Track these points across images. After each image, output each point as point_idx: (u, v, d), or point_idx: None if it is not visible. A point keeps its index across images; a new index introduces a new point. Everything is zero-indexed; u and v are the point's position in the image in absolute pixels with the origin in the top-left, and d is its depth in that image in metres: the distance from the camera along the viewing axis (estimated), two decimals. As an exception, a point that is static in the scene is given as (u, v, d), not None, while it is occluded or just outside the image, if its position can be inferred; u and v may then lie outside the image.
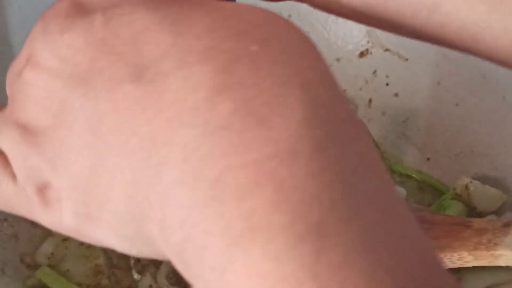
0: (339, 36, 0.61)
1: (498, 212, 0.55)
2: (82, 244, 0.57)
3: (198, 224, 0.19)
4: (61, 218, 0.24)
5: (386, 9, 0.26)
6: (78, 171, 0.22)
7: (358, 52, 0.62)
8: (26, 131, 0.23)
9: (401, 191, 0.57)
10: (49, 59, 0.23)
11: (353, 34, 0.61)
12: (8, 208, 0.26)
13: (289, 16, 0.61)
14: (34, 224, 0.58)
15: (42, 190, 0.24)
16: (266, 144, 0.19)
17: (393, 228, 0.20)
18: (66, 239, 0.58)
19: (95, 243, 0.25)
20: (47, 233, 0.58)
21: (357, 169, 0.20)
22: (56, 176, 0.23)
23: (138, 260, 0.57)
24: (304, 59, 0.22)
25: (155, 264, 0.57)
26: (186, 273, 0.21)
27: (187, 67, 0.21)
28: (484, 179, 0.56)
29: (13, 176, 0.25)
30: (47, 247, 0.57)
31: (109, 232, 0.23)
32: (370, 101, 0.63)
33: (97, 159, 0.22)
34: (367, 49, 0.62)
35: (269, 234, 0.18)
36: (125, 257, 0.57)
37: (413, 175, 0.59)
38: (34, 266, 0.56)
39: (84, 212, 0.23)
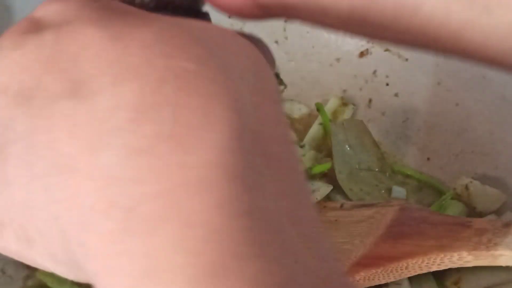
0: (339, 36, 0.61)
1: (498, 212, 0.55)
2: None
3: (108, 258, 0.18)
4: (6, 244, 0.23)
5: (370, 13, 0.26)
6: (11, 197, 0.21)
7: (358, 52, 0.62)
8: None
9: (401, 191, 0.57)
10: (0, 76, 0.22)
11: (353, 34, 0.61)
12: None
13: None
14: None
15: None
16: (180, 172, 0.18)
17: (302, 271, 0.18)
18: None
19: (40, 267, 0.24)
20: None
21: (273, 202, 0.19)
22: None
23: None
24: (244, 79, 0.21)
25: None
26: None
27: (119, 84, 0.20)
28: (484, 179, 0.56)
29: None
30: (47, 247, 0.57)
31: (46, 257, 0.22)
32: (370, 101, 0.63)
33: (28, 182, 0.21)
34: (367, 49, 0.62)
35: (171, 277, 0.17)
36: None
37: (413, 175, 0.59)
38: (34, 266, 0.56)
39: (23, 237, 0.22)
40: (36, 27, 0.22)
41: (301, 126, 0.63)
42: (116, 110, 0.19)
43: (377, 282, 0.47)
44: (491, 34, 0.24)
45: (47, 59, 0.21)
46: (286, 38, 0.64)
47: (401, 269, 0.46)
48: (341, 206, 0.53)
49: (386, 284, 0.48)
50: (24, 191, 0.21)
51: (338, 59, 0.63)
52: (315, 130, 0.61)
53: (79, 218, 0.19)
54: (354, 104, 0.63)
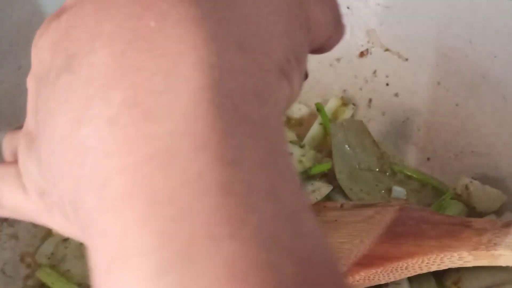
0: (339, 36, 0.61)
1: (498, 212, 0.55)
2: (82, 244, 0.57)
3: (89, 238, 0.18)
4: (59, 221, 0.23)
5: None
6: (52, 175, 0.22)
7: (358, 52, 0.62)
8: (28, 138, 0.23)
9: (401, 191, 0.57)
10: (33, 63, 0.23)
11: (353, 34, 0.61)
12: (22, 216, 0.26)
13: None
14: (34, 224, 0.58)
15: (42, 196, 0.24)
16: (146, 143, 0.17)
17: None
18: (66, 239, 0.57)
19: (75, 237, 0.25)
20: (47, 233, 0.58)
21: (248, 170, 0.17)
22: (45, 182, 0.23)
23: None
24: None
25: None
26: None
27: (93, 52, 0.19)
28: (484, 179, 0.56)
29: (23, 185, 0.25)
30: (47, 247, 0.57)
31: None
32: (370, 101, 0.63)
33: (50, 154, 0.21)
34: (367, 49, 0.62)
35: (139, 260, 0.16)
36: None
37: (413, 175, 0.59)
38: (34, 266, 0.56)
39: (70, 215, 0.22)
40: (59, 13, 0.23)
41: (301, 126, 0.63)
42: (90, 79, 0.19)
43: (377, 282, 0.47)
44: None
45: (59, 40, 0.21)
46: (286, 38, 0.64)
47: (401, 269, 0.46)
48: (341, 206, 0.53)
49: (386, 284, 0.48)
50: (56, 172, 0.21)
51: (338, 59, 0.63)
52: (315, 130, 0.61)
53: (74, 192, 0.19)
54: (354, 104, 0.63)
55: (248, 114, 0.18)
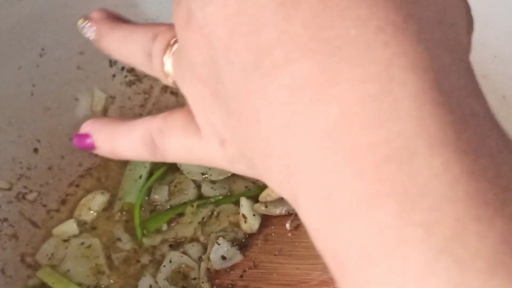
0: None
1: (498, 212, 0.55)
2: (82, 244, 0.57)
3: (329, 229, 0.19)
4: (241, 167, 0.25)
5: None
6: (247, 138, 0.22)
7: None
8: (208, 86, 0.24)
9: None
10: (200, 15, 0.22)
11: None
12: (190, 160, 0.27)
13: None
14: (34, 224, 0.58)
15: (224, 144, 0.25)
16: (376, 147, 0.18)
17: None
18: (66, 240, 0.58)
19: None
20: (48, 233, 0.58)
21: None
22: (229, 134, 0.24)
23: (138, 260, 0.57)
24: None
25: (155, 264, 0.57)
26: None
27: (292, 63, 0.20)
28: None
29: (197, 127, 0.26)
30: (47, 247, 0.57)
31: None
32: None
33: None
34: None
35: (406, 250, 0.17)
36: (124, 257, 0.57)
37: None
38: (34, 266, 0.57)
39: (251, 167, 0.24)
40: None
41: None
42: (296, 93, 0.20)
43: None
44: None
45: (232, 17, 0.21)
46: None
47: (401, 269, 0.46)
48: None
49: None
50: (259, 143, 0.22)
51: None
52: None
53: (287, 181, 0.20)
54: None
55: (471, 108, 0.20)
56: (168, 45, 0.28)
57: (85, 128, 0.31)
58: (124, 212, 0.59)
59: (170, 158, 0.28)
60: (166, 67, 0.28)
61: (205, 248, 0.57)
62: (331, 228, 0.19)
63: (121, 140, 0.30)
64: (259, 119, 0.21)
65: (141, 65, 0.29)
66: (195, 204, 0.58)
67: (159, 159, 0.29)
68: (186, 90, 0.26)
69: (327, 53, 0.19)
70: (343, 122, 0.19)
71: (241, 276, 0.54)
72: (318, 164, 0.19)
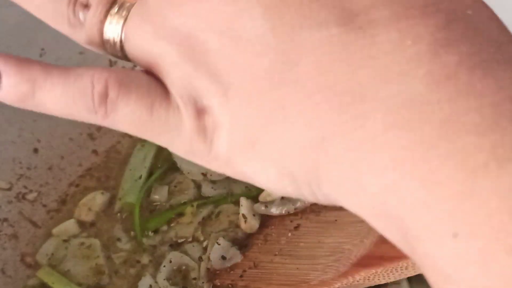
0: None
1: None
2: (82, 244, 0.57)
3: (420, 165, 0.20)
4: (212, 146, 0.23)
5: None
6: (249, 109, 0.22)
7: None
8: (190, 46, 0.22)
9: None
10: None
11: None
12: (145, 127, 0.23)
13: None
14: (34, 224, 0.58)
15: (200, 113, 0.22)
16: (498, 91, 0.20)
17: None
18: (66, 240, 0.58)
19: (239, 176, 0.23)
20: (48, 233, 0.58)
21: None
22: (222, 104, 0.22)
23: (138, 260, 0.57)
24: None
25: (155, 264, 0.57)
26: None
27: (404, 20, 0.21)
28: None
29: (166, 92, 0.23)
30: (47, 247, 0.57)
31: (268, 166, 0.23)
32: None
33: (277, 104, 0.21)
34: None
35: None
36: (124, 257, 0.57)
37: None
38: (34, 266, 0.56)
39: (241, 143, 0.22)
40: None
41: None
42: (409, 43, 0.20)
43: (377, 282, 0.47)
44: None
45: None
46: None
47: (401, 269, 0.46)
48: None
49: (386, 284, 0.48)
50: (264, 112, 0.22)
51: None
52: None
53: (355, 143, 0.21)
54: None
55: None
56: (107, 11, 0.25)
57: None
58: (124, 212, 0.59)
59: (122, 120, 0.23)
60: (108, 34, 0.25)
61: (205, 248, 0.57)
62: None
63: (53, 87, 0.25)
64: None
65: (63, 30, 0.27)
66: (195, 204, 0.58)
67: (103, 121, 0.23)
68: (156, 47, 0.23)
69: (444, 18, 0.21)
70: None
71: (241, 276, 0.54)
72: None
